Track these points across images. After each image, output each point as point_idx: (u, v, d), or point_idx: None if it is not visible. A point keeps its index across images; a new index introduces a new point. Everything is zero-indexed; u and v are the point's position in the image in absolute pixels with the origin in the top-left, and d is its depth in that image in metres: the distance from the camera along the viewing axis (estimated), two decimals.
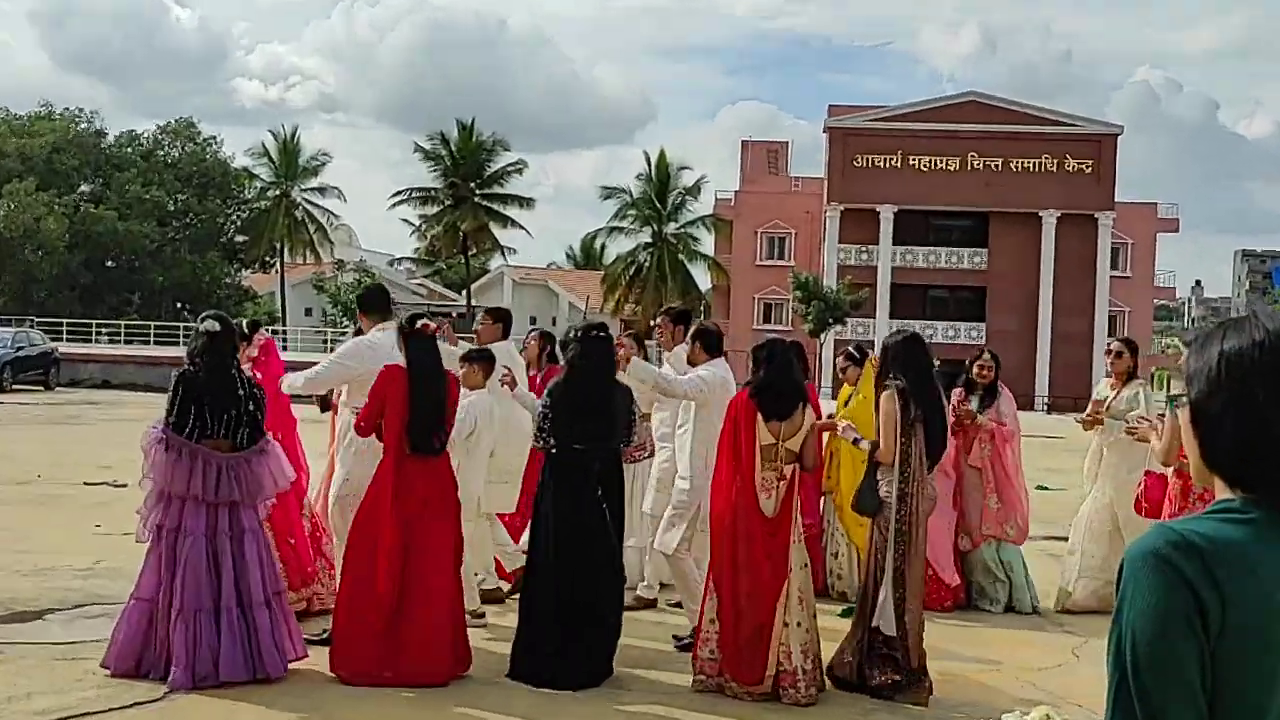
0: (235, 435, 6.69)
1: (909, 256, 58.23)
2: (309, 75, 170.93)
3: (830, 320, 50.03)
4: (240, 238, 65.80)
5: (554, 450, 7.06)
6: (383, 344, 7.61)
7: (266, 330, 7.74)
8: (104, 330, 53.43)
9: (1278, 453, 1.89)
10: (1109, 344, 9.79)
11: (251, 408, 6.79)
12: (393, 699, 6.50)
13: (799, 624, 6.72)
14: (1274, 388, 1.90)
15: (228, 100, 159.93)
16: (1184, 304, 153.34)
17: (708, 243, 64.50)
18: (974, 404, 9.49)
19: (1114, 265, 57.70)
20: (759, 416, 6.79)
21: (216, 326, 6.88)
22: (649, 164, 63.08)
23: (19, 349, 31.80)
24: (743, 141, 71.48)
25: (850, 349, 9.73)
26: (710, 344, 8.11)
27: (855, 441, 7.26)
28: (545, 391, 7.25)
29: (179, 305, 64.79)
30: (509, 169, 64.88)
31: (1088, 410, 9.55)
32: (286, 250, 65.13)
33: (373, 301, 8.18)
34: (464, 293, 67.54)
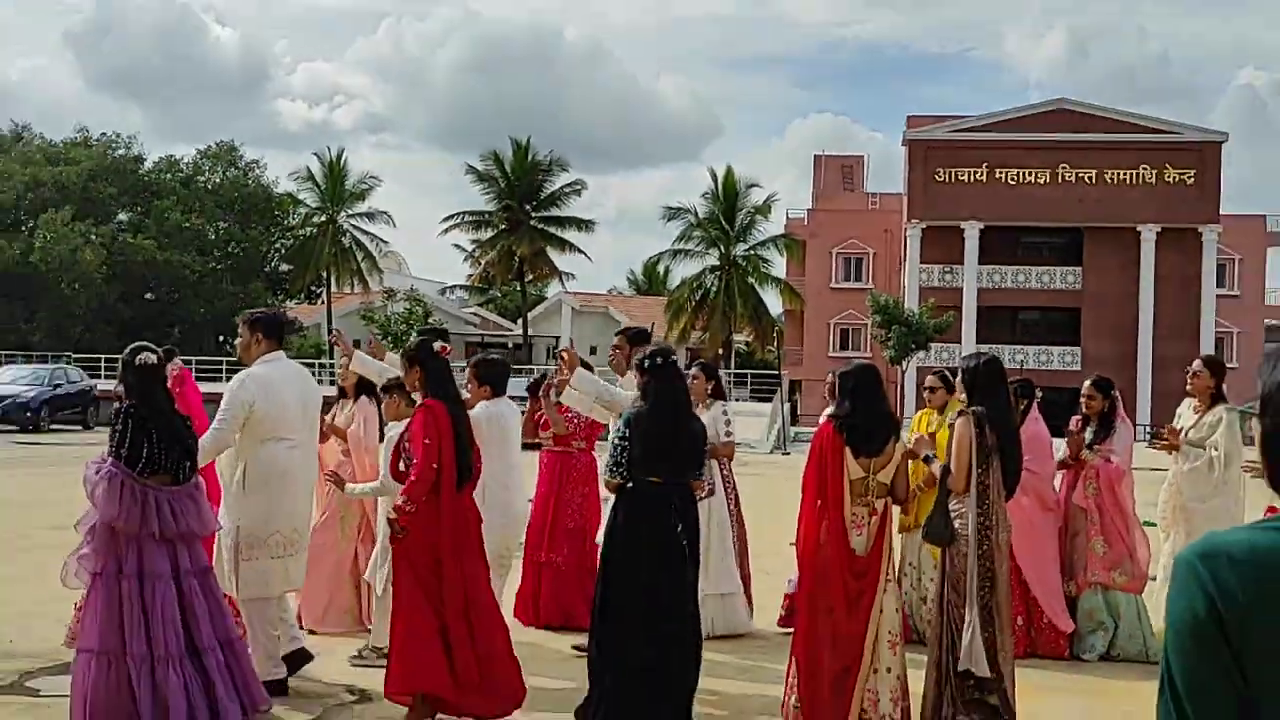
0: (178, 470, 6.69)
1: (996, 276, 57.82)
2: (354, 95, 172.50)
3: (913, 346, 49.65)
4: (285, 266, 66.53)
5: (629, 484, 6.96)
6: (272, 377, 7.53)
7: (179, 360, 7.74)
8: None
9: None
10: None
11: (190, 442, 6.83)
12: None
13: (889, 669, 6.67)
14: None
15: (270, 122, 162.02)
16: None
17: (779, 265, 64.61)
18: (1088, 434, 9.32)
19: (1220, 283, 56.98)
20: (847, 451, 6.74)
21: (156, 359, 6.91)
22: (715, 182, 63.10)
23: (56, 387, 32.45)
24: (815, 157, 71.51)
25: (945, 370, 9.53)
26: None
27: (927, 459, 7.28)
28: (623, 421, 7.16)
29: (220, 339, 65.65)
30: (567, 190, 65.23)
31: (1165, 433, 9.31)
32: (333, 279, 65.67)
33: (273, 327, 7.85)
34: (520, 321, 67.77)
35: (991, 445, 6.95)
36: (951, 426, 7.25)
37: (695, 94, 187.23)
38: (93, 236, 57.68)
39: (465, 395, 7.96)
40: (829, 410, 9.69)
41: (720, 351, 63.15)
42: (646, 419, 6.98)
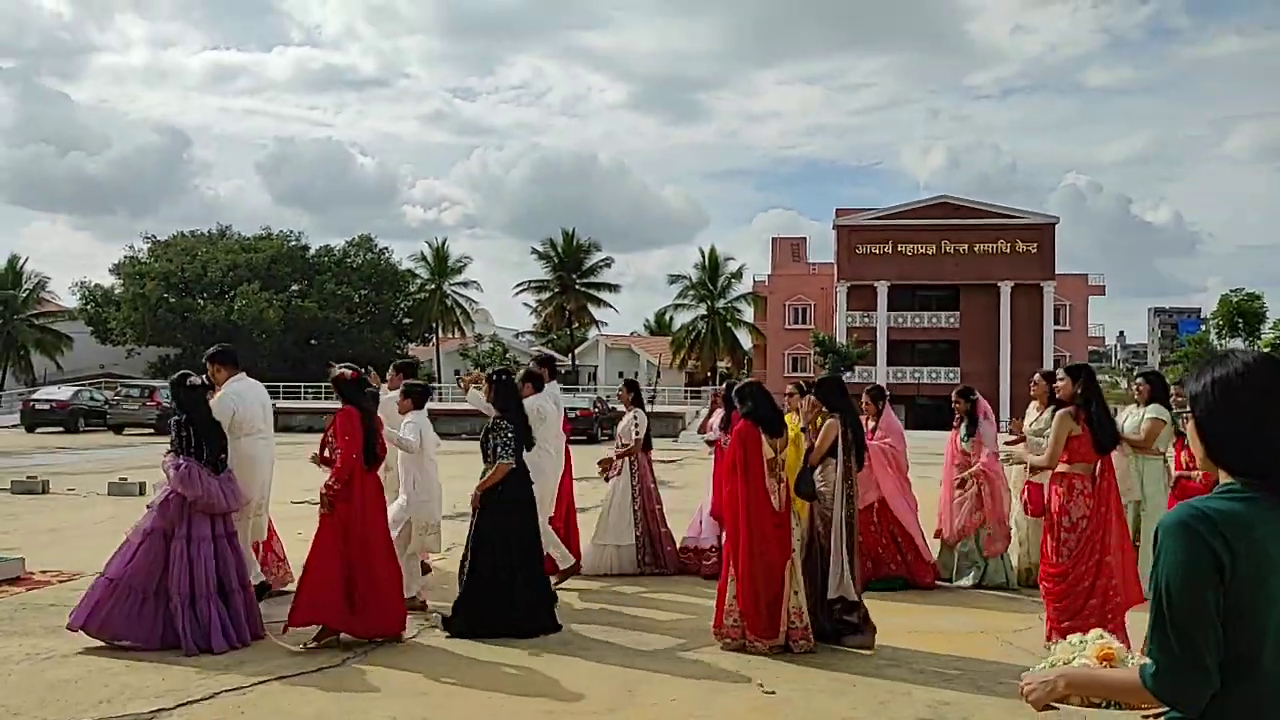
0: (215, 461, 6.55)
1: (900, 319, 57.46)
2: (455, 201, 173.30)
3: (842, 368, 49.37)
4: (407, 320, 66.45)
5: (514, 465, 7.02)
6: (241, 390, 7.24)
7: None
8: (309, 390, 54.18)
9: (1263, 447, 1.96)
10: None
11: (224, 441, 6.70)
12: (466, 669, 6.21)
13: (799, 591, 6.55)
14: (1257, 400, 1.98)
15: (397, 221, 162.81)
16: (1111, 350, 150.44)
17: (748, 313, 64.23)
18: (963, 430, 9.00)
19: (1056, 321, 56.61)
20: (763, 437, 6.56)
21: (201, 382, 6.76)
22: (704, 257, 63.08)
23: None
24: (772, 238, 71.32)
25: (801, 382, 8.74)
26: (535, 383, 8.50)
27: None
28: (505, 422, 7.07)
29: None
30: (600, 264, 65.35)
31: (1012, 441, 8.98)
32: (440, 328, 65.81)
33: (229, 356, 7.38)
34: (569, 355, 67.69)
35: (851, 439, 6.89)
36: (804, 430, 7.13)
37: (688, 197, 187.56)
38: (274, 301, 57.65)
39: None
40: (719, 413, 9.47)
41: (708, 374, 62.91)
42: (514, 419, 7.11)
